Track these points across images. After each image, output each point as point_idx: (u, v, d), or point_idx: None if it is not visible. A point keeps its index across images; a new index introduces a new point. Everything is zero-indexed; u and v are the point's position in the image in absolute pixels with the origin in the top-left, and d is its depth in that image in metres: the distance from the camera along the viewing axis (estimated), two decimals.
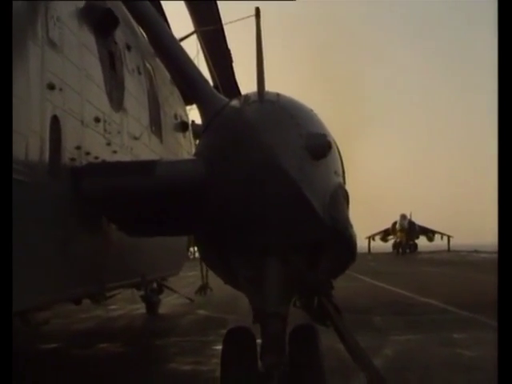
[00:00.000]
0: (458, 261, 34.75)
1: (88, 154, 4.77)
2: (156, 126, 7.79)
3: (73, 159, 4.51)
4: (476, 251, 51.63)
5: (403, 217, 55.54)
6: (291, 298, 3.89)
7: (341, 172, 3.88)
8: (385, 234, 58.84)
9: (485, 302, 11.67)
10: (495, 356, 6.93)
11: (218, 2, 8.81)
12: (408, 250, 55.58)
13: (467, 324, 8.98)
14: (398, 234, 49.19)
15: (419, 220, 58.31)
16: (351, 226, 3.64)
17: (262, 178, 3.13)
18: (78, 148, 4.69)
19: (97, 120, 5.21)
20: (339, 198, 3.55)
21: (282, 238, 3.42)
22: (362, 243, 52.62)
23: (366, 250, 56.89)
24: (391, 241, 58.65)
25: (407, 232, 53.99)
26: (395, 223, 55.08)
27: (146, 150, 6.99)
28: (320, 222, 3.35)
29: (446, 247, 58.14)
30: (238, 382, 3.58)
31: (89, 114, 5.00)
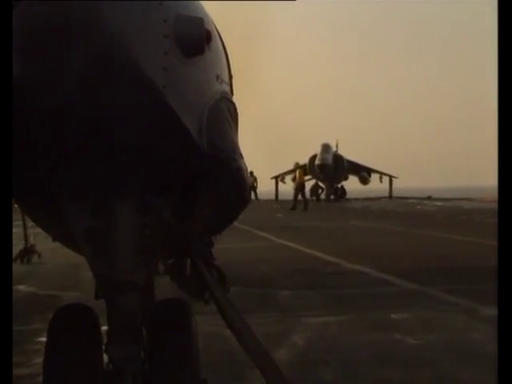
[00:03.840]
0: (403, 211, 36.14)
1: None
2: None
3: None
4: (430, 198, 54.21)
5: (326, 148, 56.19)
6: (152, 262, 3.92)
7: (227, 77, 3.85)
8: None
9: (437, 269, 12.34)
10: (446, 344, 7.38)
11: None
12: (333, 197, 57.10)
13: (411, 300, 9.43)
14: (298, 172, 45.20)
15: (349, 154, 59.94)
16: (240, 156, 3.65)
17: (107, 83, 3.07)
18: None
19: None
20: (223, 114, 3.54)
21: (136, 173, 3.39)
22: (266, 186, 53.68)
23: (273, 195, 57.94)
24: (309, 183, 59.69)
25: (332, 170, 54.96)
26: (314, 157, 55.62)
27: None
28: (194, 148, 3.34)
29: (386, 192, 60.35)
30: None
31: None
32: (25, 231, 14.19)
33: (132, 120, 3.14)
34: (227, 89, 3.83)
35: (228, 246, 14.12)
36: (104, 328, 3.74)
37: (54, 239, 4.31)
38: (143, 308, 3.82)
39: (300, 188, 42.28)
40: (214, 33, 3.57)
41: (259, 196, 52.20)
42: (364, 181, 60.56)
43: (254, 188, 51.49)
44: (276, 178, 61.75)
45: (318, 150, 55.64)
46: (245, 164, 3.76)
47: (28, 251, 14.41)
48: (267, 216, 31.43)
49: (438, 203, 44.65)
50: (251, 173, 51.46)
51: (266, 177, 53.89)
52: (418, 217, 30.77)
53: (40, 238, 12.59)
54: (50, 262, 13.30)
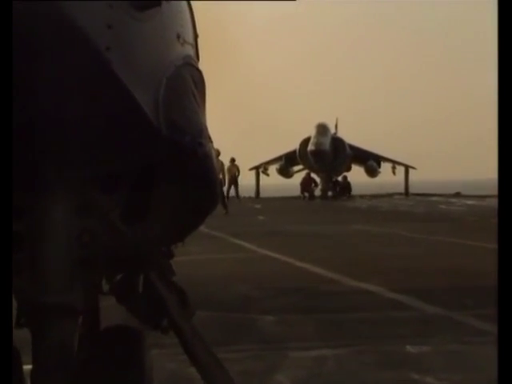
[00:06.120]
0: (422, 213, 36.24)
1: None
2: None
3: None
4: (459, 194, 54.58)
5: (322, 129, 55.80)
6: (93, 278, 3.91)
7: (191, 37, 3.88)
8: (287, 163, 59.28)
9: (466, 289, 12.30)
10: None
11: None
12: (331, 193, 57.04)
13: (432, 328, 9.45)
14: (231, 162, 46.12)
15: (353, 137, 59.85)
16: (208, 140, 3.68)
17: (32, 41, 3.05)
18: None
19: None
20: (186, 84, 3.56)
21: (73, 161, 3.39)
22: (243, 179, 53.69)
23: (252, 191, 57.80)
24: (300, 174, 59.41)
25: (330, 158, 54.75)
26: (307, 141, 55.30)
27: None
28: (147, 129, 3.33)
29: (401, 187, 60.25)
30: None
31: None
32: None
33: (66, 90, 3.12)
34: (191, 52, 3.84)
35: (194, 258, 14.11)
36: (28, 367, 3.70)
37: None
38: (82, 339, 3.81)
39: (230, 184, 44.10)
40: None
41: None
42: (372, 172, 60.11)
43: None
44: (256, 168, 61.14)
45: (311, 132, 55.14)
46: (215, 150, 3.76)
47: None
48: (246, 218, 31.46)
49: (469, 202, 44.81)
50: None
51: (244, 167, 53.25)
52: (442, 220, 30.73)
53: None
54: None
